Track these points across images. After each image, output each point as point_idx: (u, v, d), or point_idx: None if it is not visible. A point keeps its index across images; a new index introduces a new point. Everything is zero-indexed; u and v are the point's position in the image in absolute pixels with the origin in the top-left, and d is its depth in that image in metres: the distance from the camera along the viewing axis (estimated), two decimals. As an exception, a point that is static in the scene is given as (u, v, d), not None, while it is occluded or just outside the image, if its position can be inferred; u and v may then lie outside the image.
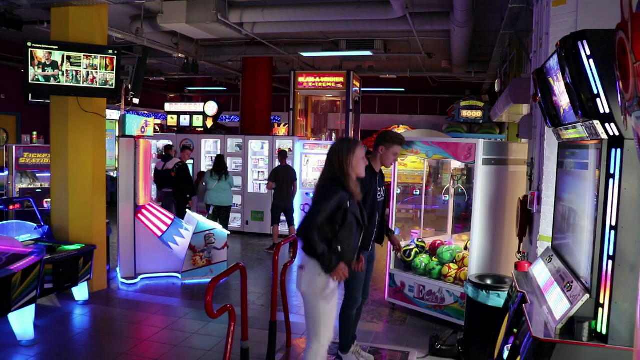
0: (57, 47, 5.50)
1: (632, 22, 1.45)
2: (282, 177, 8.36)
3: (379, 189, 4.01)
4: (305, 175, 9.85)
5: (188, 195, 8.78)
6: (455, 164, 6.44)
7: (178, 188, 8.64)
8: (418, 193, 8.33)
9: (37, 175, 8.71)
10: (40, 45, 5.44)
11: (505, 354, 2.85)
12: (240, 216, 10.07)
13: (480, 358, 3.88)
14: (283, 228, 9.20)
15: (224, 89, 18.17)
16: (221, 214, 8.49)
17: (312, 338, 3.22)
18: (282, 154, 8.67)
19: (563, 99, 2.50)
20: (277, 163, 8.92)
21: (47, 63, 5.47)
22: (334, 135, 12.45)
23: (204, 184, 8.49)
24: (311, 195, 9.37)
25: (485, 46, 10.79)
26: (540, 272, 3.06)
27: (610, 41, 1.75)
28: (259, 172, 10.30)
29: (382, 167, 4.15)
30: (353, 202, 3.19)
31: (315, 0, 8.28)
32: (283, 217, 8.79)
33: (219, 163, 8.51)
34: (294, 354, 4.36)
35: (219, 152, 10.36)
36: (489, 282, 4.23)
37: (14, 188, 8.45)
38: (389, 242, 5.69)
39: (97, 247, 5.61)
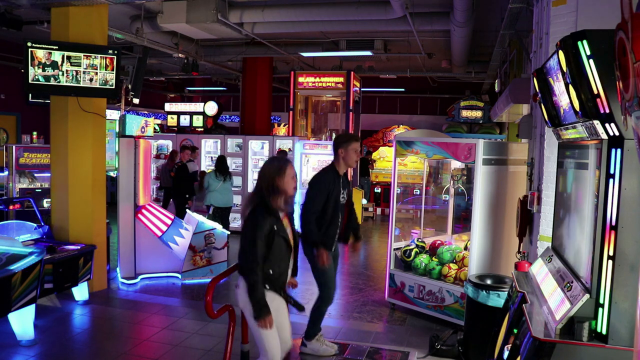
0: (57, 47, 5.50)
1: (632, 22, 1.45)
2: None
3: (342, 191, 4.21)
4: (305, 175, 9.85)
5: (187, 195, 8.79)
6: (455, 164, 6.44)
7: (177, 188, 8.66)
8: (418, 193, 8.33)
9: (37, 175, 8.70)
10: (40, 45, 5.43)
11: (505, 354, 2.85)
12: (240, 216, 10.06)
13: (480, 358, 3.88)
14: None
15: (224, 89, 18.17)
16: (223, 215, 8.52)
17: (261, 352, 3.16)
18: (282, 155, 8.67)
19: (563, 99, 2.50)
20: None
21: (47, 63, 5.47)
22: (334, 135, 12.45)
23: (206, 184, 8.47)
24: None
25: (485, 46, 10.78)
26: (540, 272, 3.06)
27: (610, 41, 1.75)
28: (259, 172, 10.29)
29: (350, 169, 4.37)
30: (280, 225, 3.13)
31: (315, 0, 8.28)
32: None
33: (223, 164, 8.51)
34: (294, 354, 4.36)
35: (219, 152, 10.38)
36: (489, 282, 4.23)
37: (14, 188, 8.45)
38: (388, 243, 5.71)
39: (97, 247, 5.61)
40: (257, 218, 3.05)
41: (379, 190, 13.53)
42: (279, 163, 3.24)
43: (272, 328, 3.05)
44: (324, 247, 4.02)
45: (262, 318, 2.97)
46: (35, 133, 9.48)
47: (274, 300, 3.10)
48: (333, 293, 4.25)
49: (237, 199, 9.91)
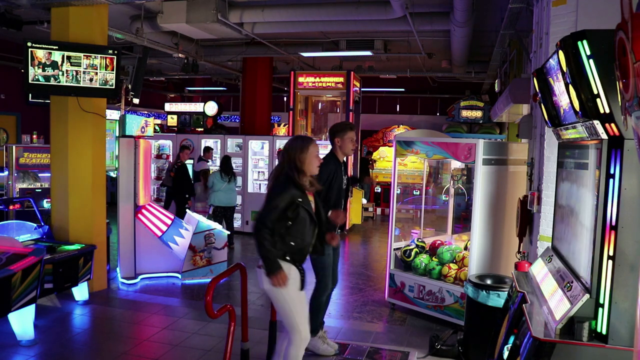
0: (57, 47, 5.49)
1: (632, 22, 1.45)
2: None
3: (344, 177, 4.31)
4: (305, 175, 9.86)
5: (187, 195, 8.80)
6: (455, 164, 6.44)
7: (178, 188, 8.65)
8: (418, 193, 8.33)
9: (39, 175, 8.71)
10: (40, 45, 5.43)
11: (505, 354, 2.85)
12: (240, 216, 10.07)
13: (480, 358, 3.88)
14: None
15: (224, 89, 18.17)
16: (227, 214, 8.55)
17: (292, 331, 3.20)
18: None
19: (563, 99, 2.50)
20: (277, 163, 8.93)
21: (47, 63, 5.47)
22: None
23: (210, 184, 8.48)
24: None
25: (485, 46, 10.78)
26: (540, 272, 3.06)
27: (610, 41, 1.75)
28: (259, 172, 10.30)
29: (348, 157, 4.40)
30: (305, 199, 3.20)
31: (315, 0, 8.28)
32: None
33: (228, 164, 8.54)
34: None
35: (219, 152, 10.39)
36: (489, 282, 4.23)
37: (14, 188, 8.45)
38: (388, 243, 5.71)
39: (97, 247, 5.61)
40: (282, 186, 3.12)
41: (379, 190, 13.54)
42: (302, 142, 3.28)
43: (302, 301, 3.13)
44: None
45: (274, 274, 3.03)
46: (35, 133, 9.48)
47: (294, 273, 3.16)
48: (329, 281, 4.26)
49: (238, 199, 9.91)
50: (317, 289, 4.27)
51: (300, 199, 3.14)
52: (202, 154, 9.83)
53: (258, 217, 3.13)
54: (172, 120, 16.05)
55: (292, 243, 3.13)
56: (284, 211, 3.11)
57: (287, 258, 3.13)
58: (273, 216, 3.07)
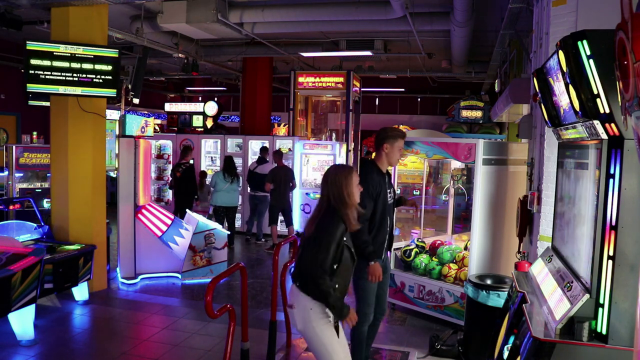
0: (57, 47, 5.49)
1: (632, 22, 1.45)
2: (280, 178, 8.40)
3: (388, 190, 3.74)
4: (306, 175, 9.86)
5: (196, 197, 8.78)
6: (455, 164, 6.44)
7: (185, 189, 8.58)
8: (418, 193, 8.33)
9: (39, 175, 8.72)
10: (40, 45, 5.43)
11: (505, 354, 2.85)
12: (240, 216, 10.07)
13: (480, 358, 3.88)
14: (283, 228, 9.24)
15: (224, 89, 18.17)
16: (228, 214, 8.53)
17: None
18: (279, 155, 8.68)
19: (563, 99, 2.49)
20: (273, 163, 8.94)
21: (47, 63, 5.46)
22: (334, 135, 12.45)
23: (212, 185, 8.46)
24: (312, 195, 9.47)
25: (485, 46, 10.78)
26: (540, 272, 3.06)
27: (610, 41, 1.75)
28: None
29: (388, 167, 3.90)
30: (348, 236, 2.94)
31: (315, 0, 8.28)
32: (281, 217, 8.82)
33: (231, 165, 8.53)
34: (294, 354, 4.36)
35: (219, 152, 10.38)
36: (489, 282, 4.23)
37: (14, 188, 8.45)
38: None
39: (97, 247, 5.61)
40: (332, 225, 2.85)
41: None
42: (346, 171, 2.99)
43: (340, 340, 2.91)
44: (378, 257, 3.54)
45: (347, 315, 2.84)
46: (35, 133, 9.48)
47: (328, 313, 2.90)
48: (371, 310, 3.66)
49: (239, 200, 9.90)
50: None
51: (345, 237, 2.88)
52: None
53: (312, 261, 2.80)
54: (172, 120, 16.04)
55: (337, 285, 2.86)
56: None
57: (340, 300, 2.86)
58: (329, 262, 2.78)
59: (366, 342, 3.78)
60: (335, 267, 2.85)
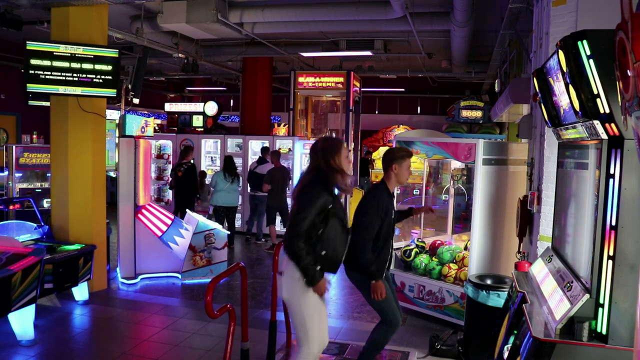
0: (57, 47, 5.49)
1: (632, 22, 1.45)
2: (277, 179, 8.41)
3: (393, 212, 3.80)
4: (306, 176, 9.86)
5: (197, 195, 8.78)
6: (455, 164, 6.43)
7: (187, 188, 8.58)
8: (418, 193, 8.33)
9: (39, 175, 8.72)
10: (40, 45, 5.43)
11: (505, 354, 2.85)
12: (240, 216, 10.07)
13: (480, 358, 3.88)
14: (282, 228, 9.25)
15: (224, 89, 18.17)
16: (229, 214, 8.55)
17: (301, 343, 3.06)
18: (276, 155, 8.68)
19: (563, 99, 2.49)
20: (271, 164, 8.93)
21: (47, 64, 5.46)
22: (334, 135, 12.45)
23: (213, 184, 8.46)
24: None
25: (485, 46, 10.78)
26: (540, 272, 3.06)
27: (610, 41, 1.75)
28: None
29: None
30: (336, 204, 3.06)
31: (315, 0, 8.28)
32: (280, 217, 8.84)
33: (231, 165, 8.54)
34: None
35: (219, 152, 10.38)
36: (489, 282, 4.23)
37: (14, 188, 8.46)
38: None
39: (97, 247, 5.61)
40: (312, 193, 2.97)
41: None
42: (336, 142, 3.17)
43: (321, 316, 3.00)
44: (380, 276, 3.54)
45: (316, 283, 2.93)
46: (35, 133, 9.48)
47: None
48: (398, 313, 3.66)
49: (239, 200, 9.90)
50: (385, 327, 3.64)
51: (331, 205, 2.98)
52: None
53: (289, 226, 2.97)
54: (172, 120, 16.05)
55: (324, 252, 2.97)
56: (316, 218, 2.96)
57: (318, 267, 2.96)
58: (306, 225, 2.91)
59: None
60: (320, 232, 2.96)
